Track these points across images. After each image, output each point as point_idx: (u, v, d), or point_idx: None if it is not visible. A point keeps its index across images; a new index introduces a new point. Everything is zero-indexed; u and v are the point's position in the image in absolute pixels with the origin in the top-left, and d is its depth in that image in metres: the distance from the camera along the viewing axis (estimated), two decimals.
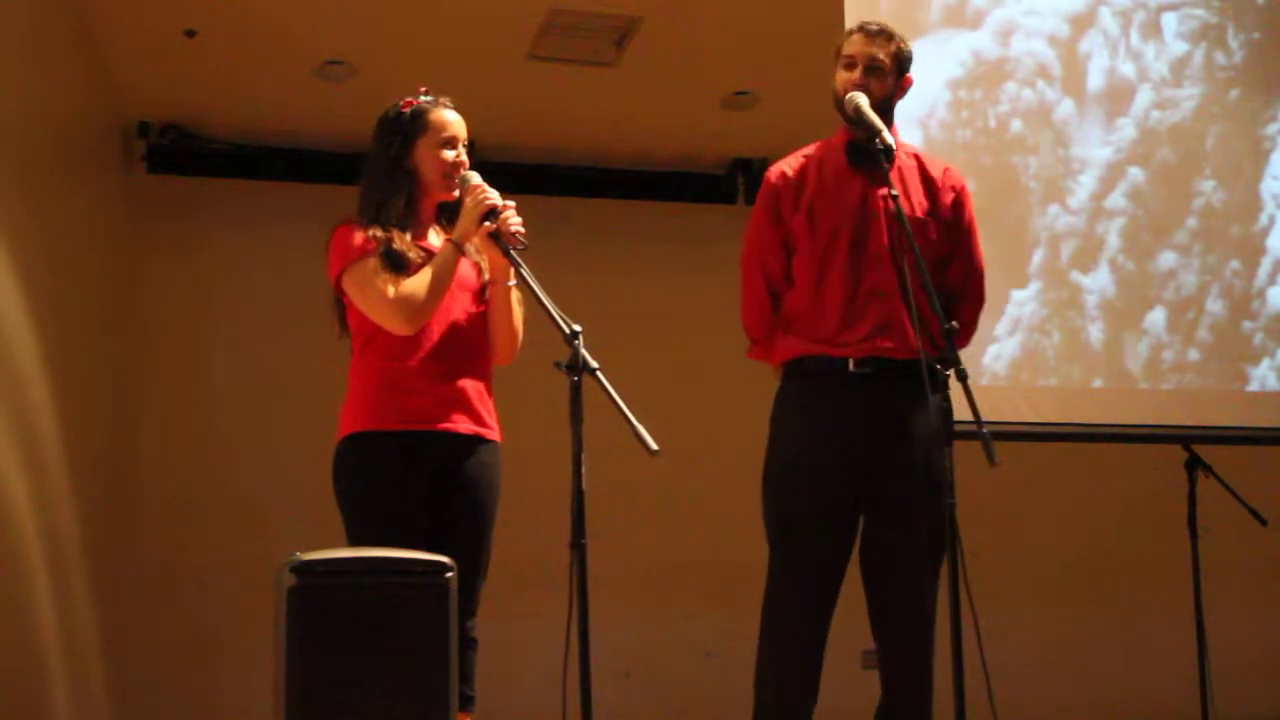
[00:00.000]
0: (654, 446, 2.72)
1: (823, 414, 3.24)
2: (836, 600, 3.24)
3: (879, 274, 3.28)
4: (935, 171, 3.42)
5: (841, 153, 3.37)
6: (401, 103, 3.30)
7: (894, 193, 3.22)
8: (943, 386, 3.18)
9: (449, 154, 3.26)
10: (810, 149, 3.43)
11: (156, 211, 6.19)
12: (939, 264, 3.35)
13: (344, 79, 5.73)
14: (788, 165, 3.40)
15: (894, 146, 3.25)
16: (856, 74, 3.32)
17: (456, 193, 3.23)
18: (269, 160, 6.34)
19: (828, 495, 3.22)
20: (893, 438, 3.23)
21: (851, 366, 3.23)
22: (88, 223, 5.38)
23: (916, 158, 3.42)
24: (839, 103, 3.35)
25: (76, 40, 5.19)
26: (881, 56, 3.35)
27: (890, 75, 3.36)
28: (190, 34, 5.32)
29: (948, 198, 3.38)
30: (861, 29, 3.39)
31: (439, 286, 3.16)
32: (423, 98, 3.30)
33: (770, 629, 3.25)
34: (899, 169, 3.36)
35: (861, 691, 3.47)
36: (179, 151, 6.19)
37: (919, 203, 3.35)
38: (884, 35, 3.38)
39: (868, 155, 3.31)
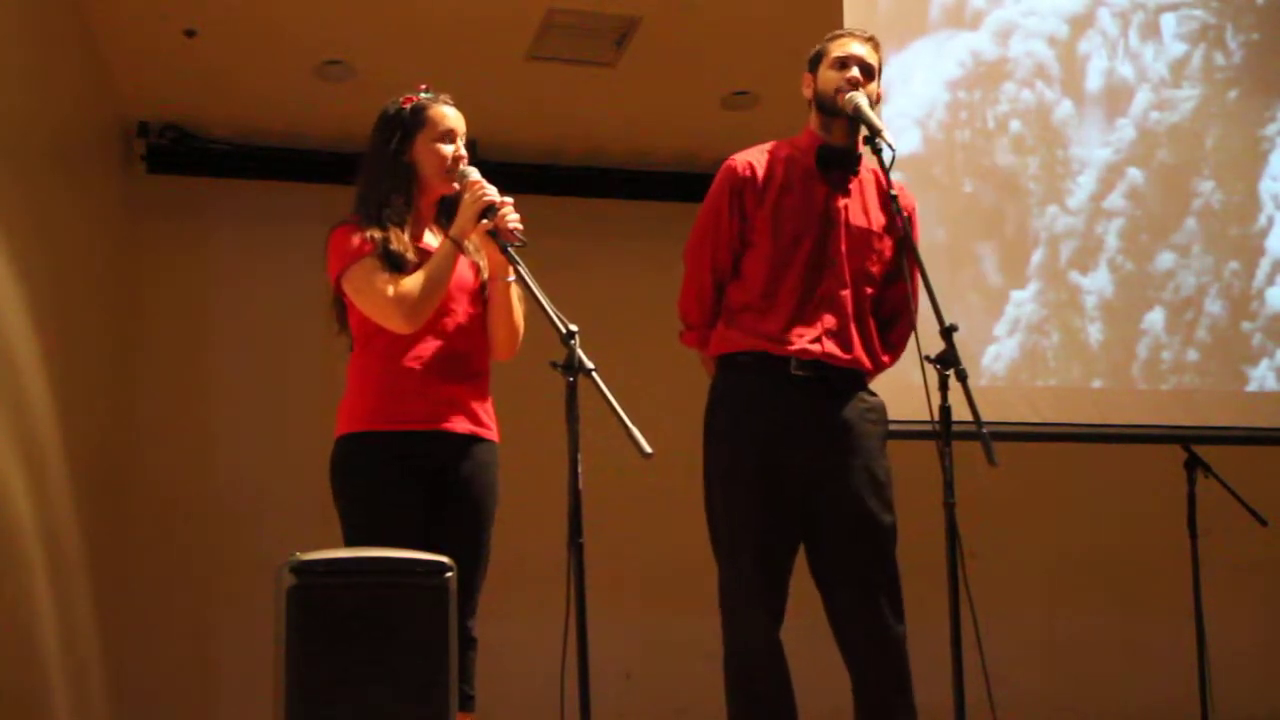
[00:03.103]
0: (647, 449, 2.70)
1: (766, 420, 3.22)
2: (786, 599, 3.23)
3: (834, 281, 3.29)
4: (895, 191, 3.43)
5: (810, 155, 3.36)
6: (401, 99, 3.31)
7: (894, 193, 3.23)
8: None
9: (447, 148, 3.26)
10: (773, 146, 3.41)
11: (156, 211, 6.19)
12: (885, 279, 3.39)
13: (344, 79, 5.73)
14: (753, 159, 3.37)
15: (894, 147, 3.25)
16: (851, 74, 3.31)
17: (456, 185, 3.23)
18: (269, 160, 6.33)
19: (775, 506, 3.20)
20: (837, 448, 3.23)
21: (794, 368, 3.23)
22: (87, 223, 5.38)
23: (874, 173, 3.41)
24: (824, 102, 3.34)
25: (76, 40, 5.19)
26: (872, 62, 3.36)
27: (876, 83, 3.39)
28: (190, 34, 5.32)
29: (901, 219, 3.40)
30: (852, 34, 3.40)
31: (437, 284, 3.16)
32: (422, 94, 3.31)
33: (735, 641, 3.21)
34: (860, 181, 3.38)
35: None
36: (179, 151, 6.18)
37: (875, 217, 3.37)
38: (873, 42, 3.40)
39: (837, 161, 3.34)
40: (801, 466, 3.21)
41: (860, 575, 3.20)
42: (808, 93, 3.41)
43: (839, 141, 3.36)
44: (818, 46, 3.41)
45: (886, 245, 3.37)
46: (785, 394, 3.23)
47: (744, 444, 3.22)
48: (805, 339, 3.24)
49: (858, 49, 3.35)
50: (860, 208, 3.35)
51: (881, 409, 3.35)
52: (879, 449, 3.30)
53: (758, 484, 3.19)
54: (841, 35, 3.40)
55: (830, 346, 3.26)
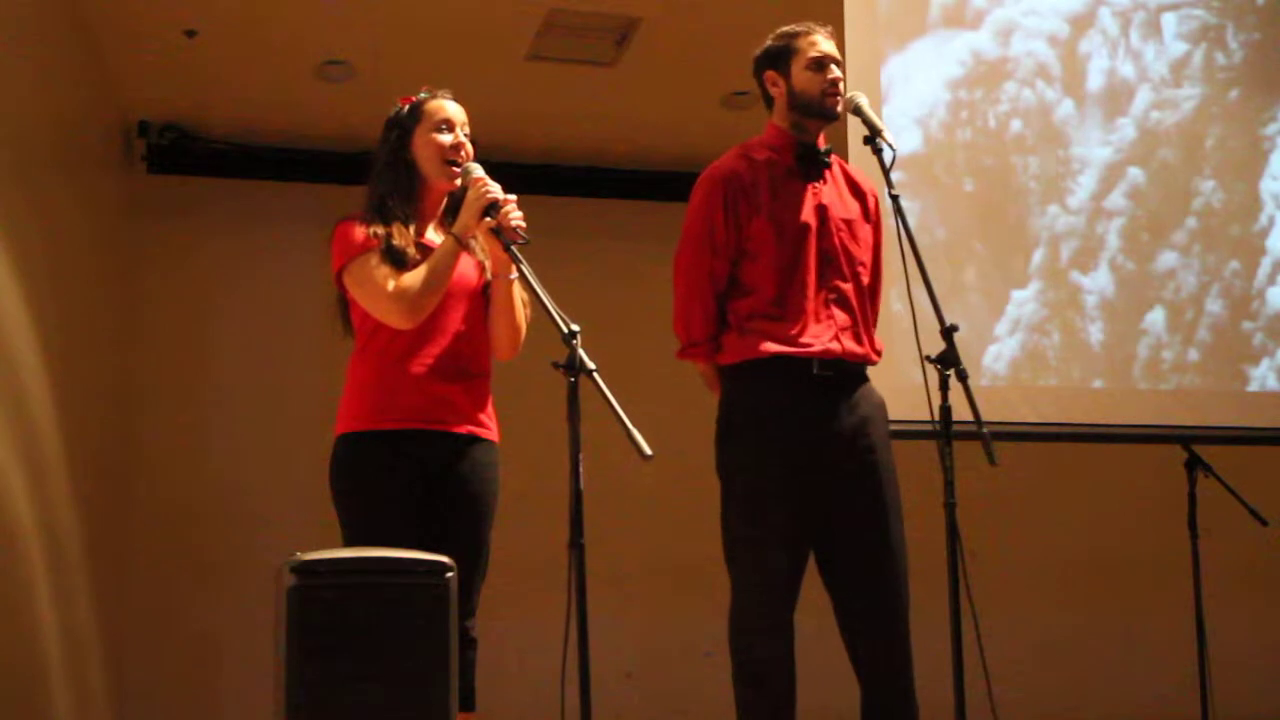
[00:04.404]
0: (647, 451, 2.69)
1: (790, 422, 3.20)
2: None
3: (836, 276, 3.30)
4: (858, 178, 3.45)
5: (789, 155, 3.35)
6: (401, 100, 3.32)
7: (895, 193, 3.23)
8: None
9: (444, 138, 3.25)
10: (744, 149, 3.39)
11: (156, 211, 6.19)
12: (873, 268, 3.41)
13: (344, 79, 5.72)
14: (737, 167, 3.34)
15: (895, 147, 3.25)
16: (832, 74, 3.31)
17: (459, 181, 3.23)
18: (269, 160, 6.33)
19: (800, 508, 3.18)
20: (861, 445, 3.23)
21: (816, 369, 3.22)
22: (87, 223, 5.38)
23: (838, 163, 3.43)
24: (806, 104, 3.33)
25: (76, 40, 5.19)
26: (839, 58, 3.36)
27: None
28: (190, 34, 5.32)
29: (871, 203, 3.42)
30: (814, 29, 3.36)
31: (438, 279, 3.16)
32: (422, 95, 3.32)
33: (747, 644, 3.19)
34: (830, 173, 3.39)
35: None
36: (179, 151, 6.18)
37: (852, 205, 3.38)
38: (835, 36, 3.39)
39: (814, 160, 3.35)
40: (828, 465, 3.20)
41: (875, 574, 3.20)
42: (776, 91, 3.37)
43: (814, 139, 3.36)
44: (779, 42, 3.38)
45: (868, 232, 3.39)
46: (807, 395, 3.21)
47: (768, 445, 3.20)
48: (824, 339, 3.24)
49: (829, 47, 3.34)
50: (838, 199, 3.36)
51: (884, 404, 3.35)
52: (889, 445, 3.31)
53: (783, 485, 3.17)
54: (806, 31, 3.36)
55: (848, 344, 3.26)
